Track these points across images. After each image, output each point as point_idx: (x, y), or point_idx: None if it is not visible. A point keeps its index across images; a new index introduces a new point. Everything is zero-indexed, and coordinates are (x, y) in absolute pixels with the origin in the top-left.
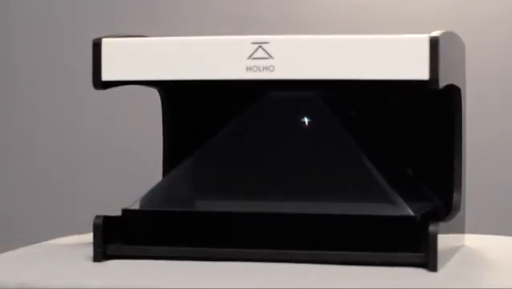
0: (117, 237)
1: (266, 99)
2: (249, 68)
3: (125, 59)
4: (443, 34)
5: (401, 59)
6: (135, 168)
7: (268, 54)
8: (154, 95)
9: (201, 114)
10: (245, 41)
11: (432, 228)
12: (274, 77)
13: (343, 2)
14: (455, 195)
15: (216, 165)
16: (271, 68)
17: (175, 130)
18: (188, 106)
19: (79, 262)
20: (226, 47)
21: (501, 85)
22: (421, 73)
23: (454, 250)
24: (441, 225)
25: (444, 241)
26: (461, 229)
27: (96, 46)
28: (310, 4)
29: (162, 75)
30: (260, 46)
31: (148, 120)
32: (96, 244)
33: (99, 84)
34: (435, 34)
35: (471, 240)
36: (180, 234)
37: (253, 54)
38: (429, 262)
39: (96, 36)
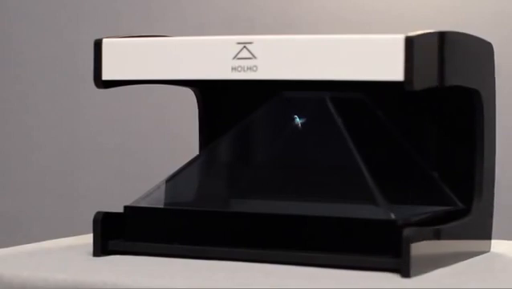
0: (119, 233)
1: (275, 99)
2: (234, 68)
3: (119, 58)
4: (426, 34)
5: (377, 60)
6: (136, 169)
7: (252, 54)
8: (155, 95)
9: (235, 111)
10: (231, 41)
11: (406, 232)
12: (256, 77)
13: (344, 3)
14: (475, 199)
15: (215, 165)
16: (254, 68)
17: (210, 128)
18: (223, 105)
19: (77, 257)
20: (213, 47)
21: (501, 85)
22: (396, 74)
23: (461, 257)
24: (451, 229)
25: (449, 246)
26: (483, 235)
27: (96, 46)
28: (311, 4)
29: (153, 75)
30: (244, 47)
31: (148, 120)
32: (96, 239)
33: (100, 83)
34: (411, 34)
35: (504, 246)
36: (179, 232)
37: (238, 54)
38: (402, 267)
39: (96, 36)
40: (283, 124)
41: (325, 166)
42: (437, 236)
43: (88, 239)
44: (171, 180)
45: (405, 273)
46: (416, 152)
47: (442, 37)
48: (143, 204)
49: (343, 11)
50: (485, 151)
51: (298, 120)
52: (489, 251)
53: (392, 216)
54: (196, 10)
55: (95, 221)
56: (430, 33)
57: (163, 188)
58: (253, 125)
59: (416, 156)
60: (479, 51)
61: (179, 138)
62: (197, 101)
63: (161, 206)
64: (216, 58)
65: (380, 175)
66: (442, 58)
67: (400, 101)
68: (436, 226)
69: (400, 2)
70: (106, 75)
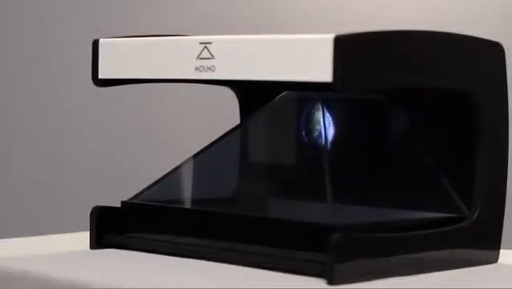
0: (115, 228)
1: (278, 98)
2: (196, 68)
3: (115, 58)
4: (358, 34)
5: (307, 60)
6: (134, 168)
7: (211, 54)
8: (153, 95)
9: None
10: (195, 41)
11: (334, 237)
12: (214, 77)
13: (341, 5)
14: (472, 206)
15: (213, 164)
16: (213, 68)
17: None
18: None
19: (72, 253)
20: (180, 47)
21: None
22: (324, 75)
23: (450, 266)
24: (451, 234)
25: (414, 255)
26: (489, 245)
27: (94, 46)
28: (308, 5)
29: (144, 74)
30: (205, 47)
31: (146, 120)
32: (91, 234)
33: (98, 82)
34: (341, 33)
35: None
36: (177, 229)
37: (200, 54)
38: (327, 273)
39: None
40: (283, 124)
41: (318, 166)
42: (389, 242)
43: (83, 235)
44: (168, 176)
45: (330, 279)
46: (424, 156)
47: (382, 36)
48: (139, 200)
49: (342, 11)
50: (486, 154)
51: (302, 121)
52: (495, 262)
53: (334, 220)
54: (177, 11)
55: (92, 215)
56: (364, 33)
57: (161, 184)
58: (253, 126)
59: (424, 160)
60: (480, 53)
61: (180, 138)
62: (238, 102)
63: (157, 204)
64: (180, 58)
65: (378, 177)
66: (379, 58)
67: (410, 102)
68: (414, 233)
69: (400, 1)
70: (102, 74)
